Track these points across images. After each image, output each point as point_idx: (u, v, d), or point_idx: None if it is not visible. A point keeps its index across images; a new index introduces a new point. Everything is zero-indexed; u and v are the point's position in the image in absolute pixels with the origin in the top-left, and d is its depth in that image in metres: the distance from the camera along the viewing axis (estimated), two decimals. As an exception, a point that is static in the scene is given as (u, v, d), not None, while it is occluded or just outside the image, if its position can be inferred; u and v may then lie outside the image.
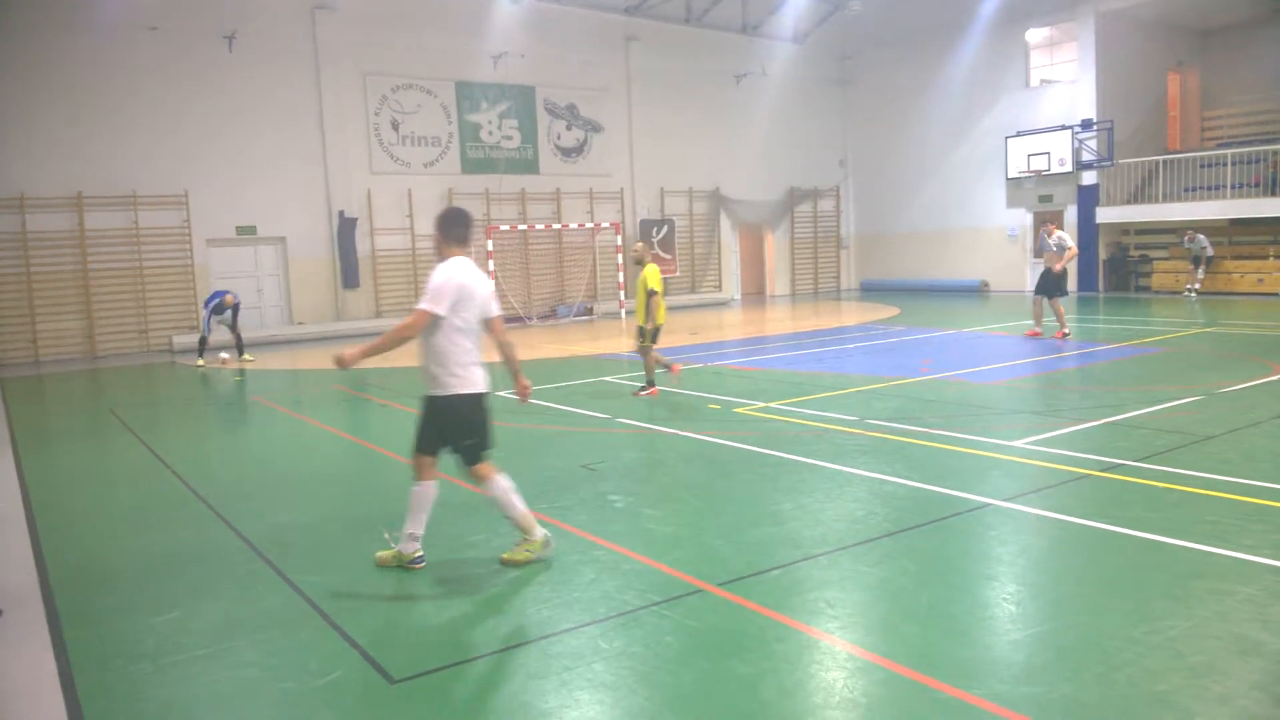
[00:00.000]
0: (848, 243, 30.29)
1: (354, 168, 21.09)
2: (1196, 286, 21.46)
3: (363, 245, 21.20)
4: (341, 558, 5.62)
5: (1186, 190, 23.16)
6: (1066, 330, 14.77)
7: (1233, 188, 21.99)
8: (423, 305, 5.02)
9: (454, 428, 5.16)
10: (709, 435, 8.51)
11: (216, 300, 15.91)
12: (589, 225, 23.71)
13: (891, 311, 21.35)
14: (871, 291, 28.50)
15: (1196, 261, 21.57)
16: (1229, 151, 22.43)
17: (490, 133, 22.97)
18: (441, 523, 6.26)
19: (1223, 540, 5.20)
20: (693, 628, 4.36)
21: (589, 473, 7.34)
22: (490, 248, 21.54)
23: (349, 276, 20.98)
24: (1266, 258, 21.16)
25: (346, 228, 20.83)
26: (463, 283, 5.08)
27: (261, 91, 19.88)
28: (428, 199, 22.00)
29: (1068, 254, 14.90)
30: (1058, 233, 15.20)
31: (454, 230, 5.22)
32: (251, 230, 19.79)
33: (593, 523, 6.01)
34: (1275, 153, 21.33)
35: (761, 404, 9.94)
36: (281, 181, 20.20)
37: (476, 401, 5.17)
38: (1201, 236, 21.28)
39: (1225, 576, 4.74)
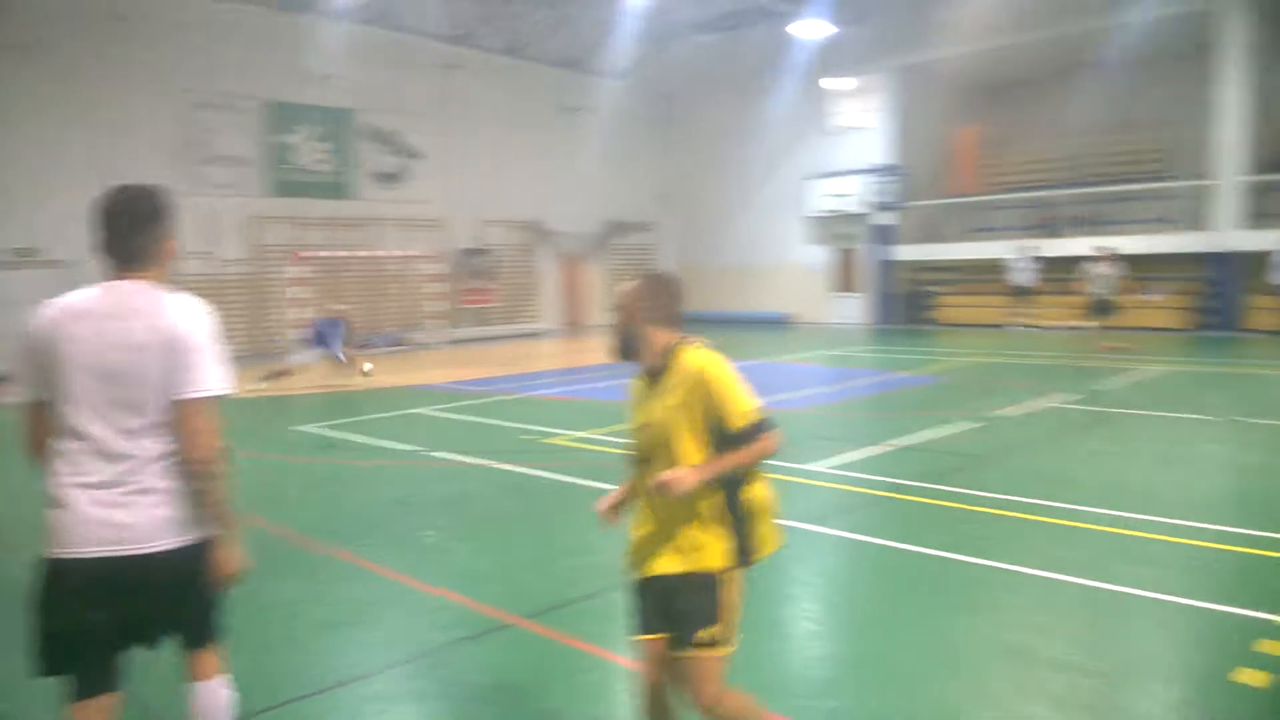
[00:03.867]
0: (666, 275, 30.97)
1: (150, 188, 19.79)
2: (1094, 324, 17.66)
3: (158, 270, 19.87)
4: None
5: (974, 231, 25.20)
6: None
7: (1011, 229, 24.10)
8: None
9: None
10: (522, 466, 8.49)
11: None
12: (406, 253, 23.21)
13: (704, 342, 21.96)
14: (687, 323, 29.11)
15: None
16: (1012, 196, 24.63)
17: (303, 155, 22.14)
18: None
19: (997, 554, 5.65)
20: (500, 663, 4.33)
21: (400, 508, 7.16)
22: (298, 275, 20.70)
23: (142, 303, 19.60)
24: (1040, 293, 23.18)
25: (139, 251, 19.49)
26: (27, 335, 2.70)
27: (59, 104, 18.40)
28: (233, 222, 20.93)
29: None
30: None
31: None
32: (32, 253, 18.19)
33: (402, 560, 5.86)
34: (1049, 199, 23.58)
35: (575, 434, 10.01)
36: (70, 200, 18.69)
37: (52, 579, 2.63)
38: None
39: (997, 587, 5.16)
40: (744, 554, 3.01)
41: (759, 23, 24.42)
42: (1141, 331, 18.83)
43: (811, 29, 23.53)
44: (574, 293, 29.22)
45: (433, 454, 9.19)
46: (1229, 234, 20.09)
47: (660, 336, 3.14)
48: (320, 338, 15.30)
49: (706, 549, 2.98)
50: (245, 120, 21.22)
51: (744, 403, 2.95)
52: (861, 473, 7.87)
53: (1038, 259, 22.00)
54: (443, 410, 12.15)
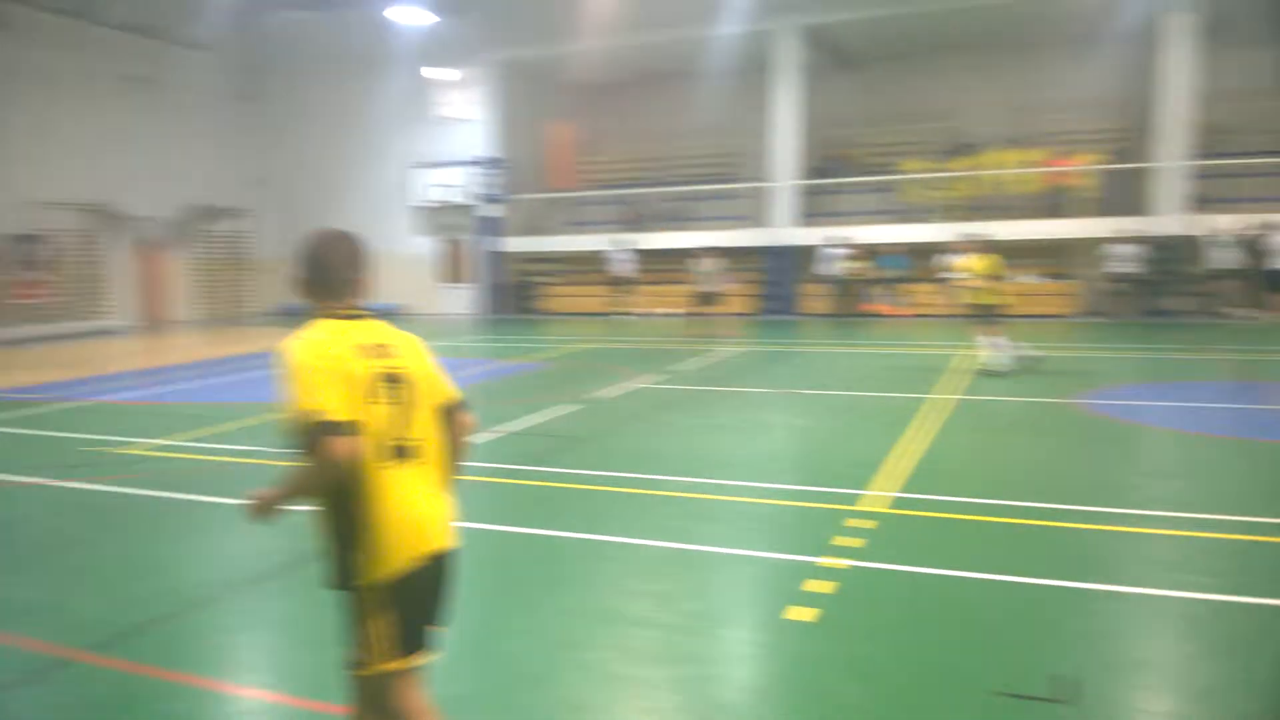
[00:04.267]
0: (261, 264, 29.03)
1: None
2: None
3: None
4: None
5: (569, 224, 26.44)
6: None
7: (606, 224, 25.65)
8: None
9: None
10: (87, 482, 7.49)
11: None
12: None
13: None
14: (294, 315, 27.64)
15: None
16: (603, 193, 26.16)
17: None
18: None
19: (591, 526, 5.99)
20: (62, 704, 3.80)
21: (-79, 541, 6.00)
22: None
23: None
24: (645, 283, 24.89)
25: None
26: None
27: None
28: None
29: None
30: None
31: None
32: None
33: (-77, 601, 4.92)
34: (639, 196, 25.41)
35: (155, 441, 9.03)
36: None
37: None
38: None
39: (590, 558, 5.46)
40: (343, 576, 2.66)
41: (357, 3, 23.65)
42: (721, 317, 20.91)
43: (411, 15, 23.22)
44: (154, 285, 26.36)
45: (-31, 475, 7.81)
46: (784, 230, 23.00)
47: (317, 310, 2.78)
48: None
49: (325, 565, 2.71)
50: None
51: (300, 402, 2.53)
52: (472, 460, 7.92)
53: (636, 251, 23.58)
54: (-16, 423, 10.37)
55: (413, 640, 2.75)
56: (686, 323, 18.65)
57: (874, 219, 22.83)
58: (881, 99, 25.50)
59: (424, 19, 23.37)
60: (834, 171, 24.25)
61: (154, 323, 25.71)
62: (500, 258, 26.08)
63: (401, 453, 2.69)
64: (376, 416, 2.63)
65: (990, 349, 12.20)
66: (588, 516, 6.28)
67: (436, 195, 26.05)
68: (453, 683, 3.91)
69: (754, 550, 5.53)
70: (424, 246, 27.04)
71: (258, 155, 28.50)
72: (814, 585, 4.83)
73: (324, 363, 2.61)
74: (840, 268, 21.72)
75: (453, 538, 2.86)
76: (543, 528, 6.02)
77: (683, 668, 4.04)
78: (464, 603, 4.80)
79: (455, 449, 2.97)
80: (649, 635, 4.35)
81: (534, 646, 4.27)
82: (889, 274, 22.41)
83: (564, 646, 4.27)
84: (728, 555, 5.46)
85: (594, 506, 6.58)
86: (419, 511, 2.71)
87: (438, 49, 25.49)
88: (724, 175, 26.05)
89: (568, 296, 25.89)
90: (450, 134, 26.50)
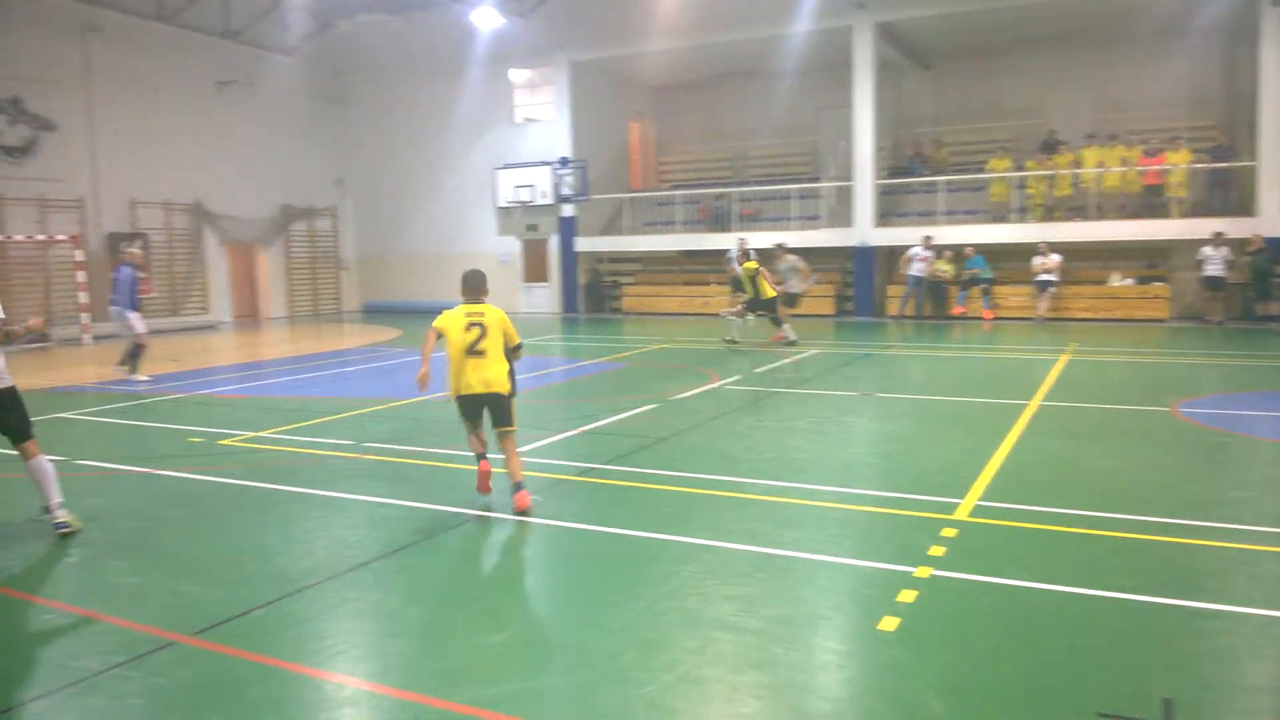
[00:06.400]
0: (348, 264, 29.76)
1: None
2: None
3: None
4: None
5: (647, 224, 26.49)
6: None
7: (683, 223, 25.62)
8: None
9: None
10: (189, 472, 7.80)
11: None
12: (40, 238, 20.44)
13: (394, 333, 21.40)
14: (374, 313, 28.33)
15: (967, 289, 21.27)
16: (680, 192, 26.13)
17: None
18: None
19: (669, 527, 5.99)
20: (162, 685, 3.96)
21: (37, 526, 6.31)
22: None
23: None
24: (708, 284, 24.86)
25: None
26: None
27: None
28: None
29: None
30: None
31: None
32: None
33: (43, 582, 5.20)
34: (718, 195, 25.32)
35: (251, 434, 9.35)
36: None
37: None
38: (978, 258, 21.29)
39: (673, 559, 5.45)
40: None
41: (431, 6, 24.10)
42: (801, 318, 20.70)
43: (486, 18, 23.56)
44: (248, 282, 27.28)
45: (77, 463, 8.19)
46: (867, 231, 22.66)
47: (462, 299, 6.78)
48: (122, 294, 13.57)
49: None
50: None
51: (435, 323, 6.65)
52: (550, 457, 8.03)
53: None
54: (91, 414, 10.86)
55: (468, 418, 6.60)
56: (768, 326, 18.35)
57: (958, 219, 22.36)
58: (962, 96, 24.97)
59: (493, 20, 23.68)
60: (915, 171, 23.80)
61: (250, 320, 26.60)
62: (578, 257, 26.28)
63: (475, 353, 6.38)
64: (465, 337, 6.39)
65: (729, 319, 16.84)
66: (669, 516, 6.29)
67: (519, 195, 26.33)
68: (538, 677, 3.97)
69: (837, 556, 5.47)
70: (506, 246, 27.39)
71: (341, 157, 29.24)
72: (899, 594, 4.76)
73: (446, 315, 6.49)
74: (923, 269, 21.32)
75: (492, 389, 6.42)
76: (622, 526, 6.04)
77: (766, 673, 4.02)
78: (552, 597, 4.89)
79: (511, 361, 6.65)
80: (732, 639, 4.33)
81: (616, 644, 4.29)
82: (971, 275, 21.86)
83: (647, 646, 4.27)
84: (811, 560, 5.40)
85: (675, 506, 6.58)
86: (469, 375, 6.37)
87: (515, 51, 25.81)
88: (802, 174, 25.79)
89: (644, 296, 25.95)
90: (531, 134, 26.80)
